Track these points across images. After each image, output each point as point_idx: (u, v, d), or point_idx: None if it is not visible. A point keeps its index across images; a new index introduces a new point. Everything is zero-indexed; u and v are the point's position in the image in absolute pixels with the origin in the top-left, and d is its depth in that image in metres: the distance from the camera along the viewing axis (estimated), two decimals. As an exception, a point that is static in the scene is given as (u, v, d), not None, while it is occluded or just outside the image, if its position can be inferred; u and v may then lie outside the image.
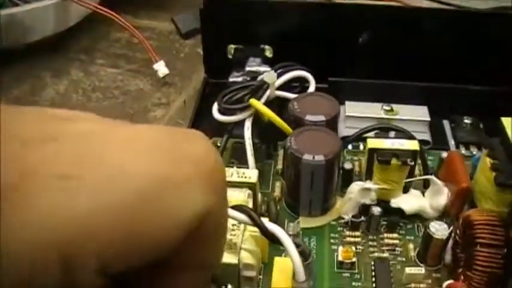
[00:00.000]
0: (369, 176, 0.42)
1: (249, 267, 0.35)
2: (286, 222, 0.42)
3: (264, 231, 0.32)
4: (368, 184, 0.42)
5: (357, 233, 0.42)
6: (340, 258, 0.39)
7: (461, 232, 0.37)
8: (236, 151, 0.48)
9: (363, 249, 0.41)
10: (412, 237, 0.42)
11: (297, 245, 0.32)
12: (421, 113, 0.50)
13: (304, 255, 0.32)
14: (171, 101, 0.58)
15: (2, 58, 0.59)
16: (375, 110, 0.50)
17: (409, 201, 0.42)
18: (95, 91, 0.60)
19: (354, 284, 0.39)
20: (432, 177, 0.42)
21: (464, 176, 0.41)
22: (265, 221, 0.33)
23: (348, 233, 0.42)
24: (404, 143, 0.41)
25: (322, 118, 0.43)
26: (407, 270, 0.38)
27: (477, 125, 0.52)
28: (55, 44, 0.65)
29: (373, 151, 0.41)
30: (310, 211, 0.43)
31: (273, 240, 0.32)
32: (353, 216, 0.42)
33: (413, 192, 0.43)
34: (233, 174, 0.40)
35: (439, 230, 0.38)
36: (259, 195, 0.41)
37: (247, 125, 0.45)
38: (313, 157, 0.39)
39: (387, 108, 0.50)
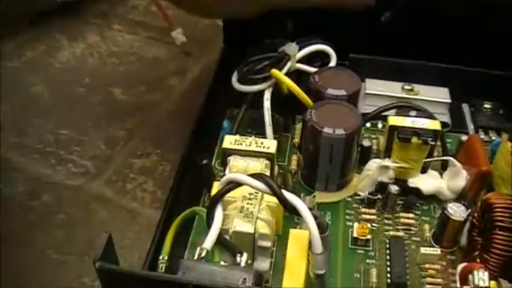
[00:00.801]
0: (387, 153, 0.42)
1: (265, 237, 0.35)
2: (302, 196, 0.41)
3: (283, 200, 0.32)
4: (386, 162, 0.41)
5: (373, 211, 0.41)
6: (355, 235, 0.39)
7: (479, 215, 0.37)
8: (254, 122, 0.47)
9: (378, 227, 0.41)
10: (428, 218, 0.41)
11: (315, 217, 0.32)
12: (442, 94, 0.49)
13: (321, 227, 0.32)
14: (188, 70, 0.58)
15: (20, 21, 0.59)
16: (395, 89, 0.49)
17: (426, 182, 0.42)
18: (111, 56, 0.59)
19: (368, 261, 0.38)
20: (451, 158, 0.42)
21: (484, 160, 0.41)
22: (283, 191, 0.32)
23: (363, 210, 0.42)
24: (425, 122, 0.41)
25: (343, 92, 0.42)
26: (423, 250, 0.38)
27: (497, 111, 0.51)
28: (72, 8, 0.64)
29: (393, 128, 0.40)
30: (326, 186, 0.42)
31: (292, 211, 0.32)
32: (369, 194, 0.41)
33: (432, 173, 0.42)
34: (251, 143, 0.39)
35: (457, 211, 0.37)
36: (276, 167, 0.41)
37: (267, 95, 0.44)
38: (334, 130, 0.39)
39: (408, 87, 0.49)
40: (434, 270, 0.38)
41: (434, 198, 0.42)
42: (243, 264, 0.31)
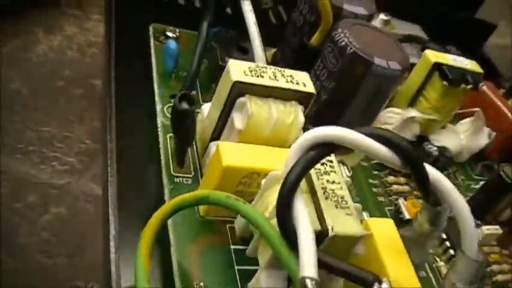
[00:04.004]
0: (413, 100, 0.34)
1: (366, 239, 0.23)
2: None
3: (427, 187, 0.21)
4: (412, 112, 0.34)
5: (402, 180, 0.34)
6: (408, 216, 0.31)
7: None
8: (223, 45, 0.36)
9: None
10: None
11: None
12: (416, 31, 0.44)
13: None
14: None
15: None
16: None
17: (450, 139, 0.35)
18: (91, 47, 0.55)
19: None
20: (479, 110, 0.36)
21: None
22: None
23: (390, 179, 0.34)
24: (466, 62, 0.33)
25: (363, 11, 0.32)
26: (485, 229, 0.32)
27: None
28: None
29: (436, 67, 0.32)
30: None
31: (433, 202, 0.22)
32: None
33: (451, 128, 0.36)
34: (276, 75, 0.27)
35: None
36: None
37: (247, 5, 0.32)
38: (387, 63, 0.28)
39: (385, 18, 0.39)
40: (497, 255, 0.32)
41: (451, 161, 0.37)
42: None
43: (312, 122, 0.30)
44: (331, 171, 0.24)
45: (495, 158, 0.38)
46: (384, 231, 0.23)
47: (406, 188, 0.34)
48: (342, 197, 0.23)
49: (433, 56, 0.33)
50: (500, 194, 0.33)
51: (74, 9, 0.60)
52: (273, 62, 0.37)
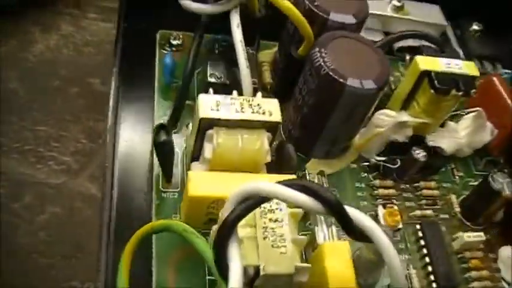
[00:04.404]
0: (406, 103, 0.34)
1: (305, 271, 0.24)
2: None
3: (352, 228, 0.21)
4: (404, 116, 0.33)
5: (389, 183, 0.33)
6: (383, 224, 0.30)
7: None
8: (211, 59, 0.35)
9: (398, 204, 0.33)
10: (450, 185, 0.35)
11: None
12: (435, 14, 0.41)
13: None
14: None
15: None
16: (381, 6, 0.39)
17: (446, 138, 0.34)
18: (87, 45, 0.56)
19: (400, 257, 0.30)
20: (481, 109, 0.34)
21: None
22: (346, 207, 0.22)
23: (377, 182, 0.33)
24: (460, 64, 0.32)
25: (351, 20, 0.31)
26: (466, 237, 0.31)
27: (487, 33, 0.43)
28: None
29: (426, 75, 0.32)
30: (328, 151, 0.33)
31: (359, 239, 0.22)
32: (384, 160, 0.33)
33: (450, 126, 0.35)
34: (243, 106, 0.28)
35: (506, 184, 0.31)
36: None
37: (236, 20, 0.32)
38: (361, 83, 0.28)
39: (398, 4, 0.39)
40: (478, 260, 0.32)
41: (452, 157, 0.35)
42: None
43: (297, 131, 0.33)
44: (277, 208, 0.24)
45: (497, 155, 0.37)
46: (336, 256, 0.25)
47: (391, 191, 0.34)
48: (281, 235, 0.24)
49: (422, 62, 0.33)
50: (489, 199, 0.32)
51: (71, 8, 0.59)
52: (274, 61, 0.37)
